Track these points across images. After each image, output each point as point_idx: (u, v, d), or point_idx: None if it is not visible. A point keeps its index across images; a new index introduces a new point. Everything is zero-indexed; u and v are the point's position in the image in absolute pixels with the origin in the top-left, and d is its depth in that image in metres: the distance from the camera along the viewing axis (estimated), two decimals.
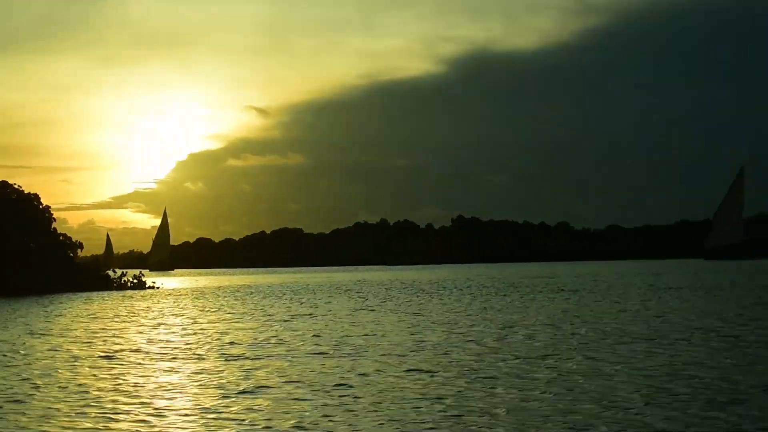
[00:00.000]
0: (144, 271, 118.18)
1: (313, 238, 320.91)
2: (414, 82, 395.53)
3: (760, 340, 31.47)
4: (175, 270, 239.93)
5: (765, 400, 19.88)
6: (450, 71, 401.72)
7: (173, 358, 30.46)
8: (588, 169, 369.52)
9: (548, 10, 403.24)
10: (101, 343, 36.94)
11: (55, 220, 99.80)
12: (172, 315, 54.96)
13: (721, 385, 21.87)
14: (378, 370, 25.86)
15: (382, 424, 18.36)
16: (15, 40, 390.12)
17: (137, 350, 33.60)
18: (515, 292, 72.17)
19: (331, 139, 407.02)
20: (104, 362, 29.89)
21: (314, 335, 37.79)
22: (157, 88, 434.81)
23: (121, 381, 25.23)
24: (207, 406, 20.86)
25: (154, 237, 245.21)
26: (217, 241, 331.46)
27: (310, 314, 51.87)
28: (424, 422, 18.36)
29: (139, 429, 18.69)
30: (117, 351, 33.39)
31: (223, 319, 49.15)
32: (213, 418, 19.40)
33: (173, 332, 41.68)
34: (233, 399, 21.68)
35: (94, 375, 26.65)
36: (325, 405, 20.52)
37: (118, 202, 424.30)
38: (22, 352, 34.00)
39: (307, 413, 19.61)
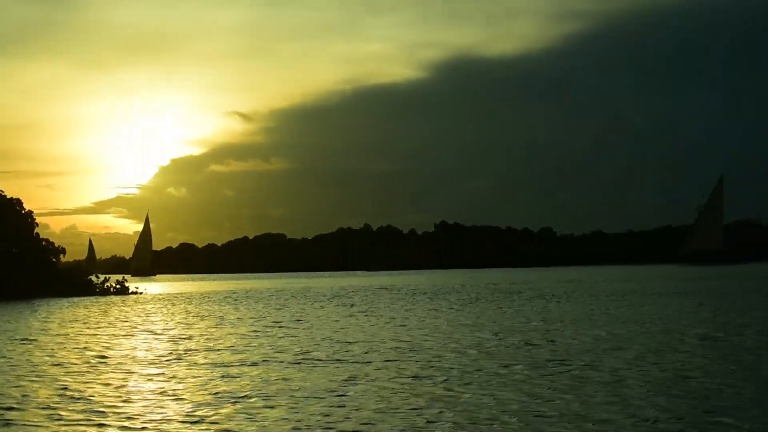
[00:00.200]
0: (126, 277, 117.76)
1: (296, 243, 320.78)
2: (396, 87, 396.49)
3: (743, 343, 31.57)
4: (157, 275, 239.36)
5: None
6: (432, 76, 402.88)
7: (158, 365, 30.25)
8: (570, 174, 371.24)
9: (529, 16, 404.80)
10: (82, 349, 36.66)
11: (37, 225, 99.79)
12: (157, 320, 54.67)
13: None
14: (367, 375, 25.81)
15: None
16: None
17: (123, 356, 33.37)
18: (505, 298, 72.25)
19: (313, 145, 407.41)
20: (88, 368, 29.65)
21: (302, 341, 37.65)
22: (139, 92, 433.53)
23: (107, 387, 25.02)
24: (192, 412, 20.71)
25: (136, 242, 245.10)
26: (200, 246, 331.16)
27: (298, 320, 51.76)
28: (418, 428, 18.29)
29: None
30: (102, 357, 33.14)
31: (208, 326, 48.92)
32: (197, 426, 19.26)
33: (158, 338, 41.44)
34: (217, 407, 21.53)
35: (80, 381, 26.42)
36: (315, 413, 20.42)
37: (101, 207, 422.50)
38: (6, 357, 33.71)
39: (297, 420, 19.51)
